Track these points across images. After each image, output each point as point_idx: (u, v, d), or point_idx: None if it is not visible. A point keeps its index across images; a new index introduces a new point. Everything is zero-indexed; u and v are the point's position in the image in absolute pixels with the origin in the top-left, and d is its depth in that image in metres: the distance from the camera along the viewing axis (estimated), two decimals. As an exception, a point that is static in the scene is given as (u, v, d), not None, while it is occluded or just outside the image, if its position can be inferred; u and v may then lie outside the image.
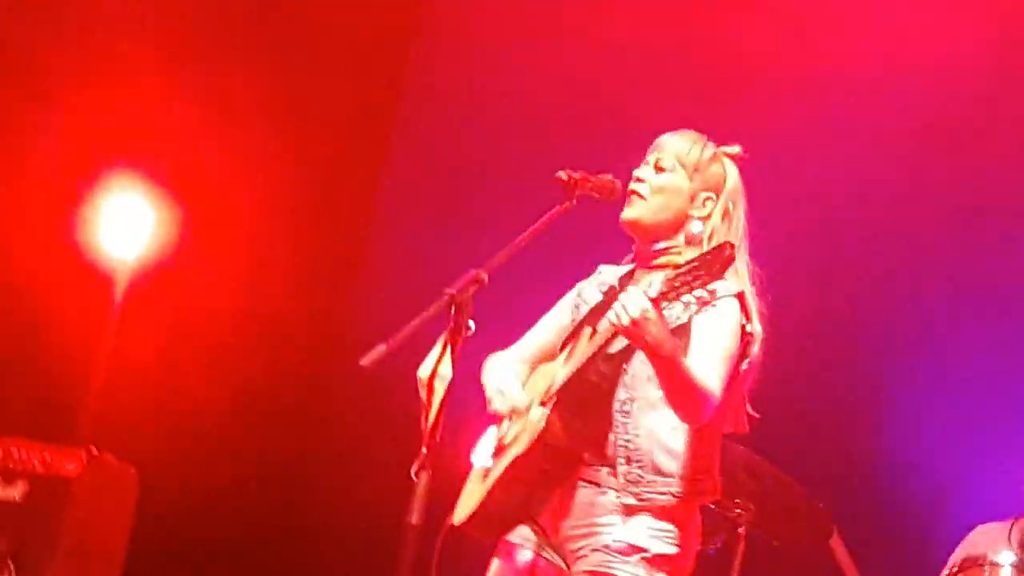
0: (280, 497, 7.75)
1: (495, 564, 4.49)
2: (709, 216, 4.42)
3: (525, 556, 4.39)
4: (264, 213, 7.89)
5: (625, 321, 3.98)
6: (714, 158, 4.49)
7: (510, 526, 4.38)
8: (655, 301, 4.01)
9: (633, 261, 4.62)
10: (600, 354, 4.30)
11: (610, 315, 4.06)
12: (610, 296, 4.40)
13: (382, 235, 8.84)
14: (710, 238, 4.42)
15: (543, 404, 4.34)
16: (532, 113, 8.18)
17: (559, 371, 4.45)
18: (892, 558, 6.95)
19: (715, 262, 3.98)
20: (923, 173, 7.53)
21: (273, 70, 7.99)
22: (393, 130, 8.75)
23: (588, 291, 4.63)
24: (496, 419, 4.55)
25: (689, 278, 4.00)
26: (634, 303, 3.98)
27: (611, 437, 4.27)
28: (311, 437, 7.94)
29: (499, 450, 4.46)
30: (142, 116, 7.64)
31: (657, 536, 4.22)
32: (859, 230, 7.77)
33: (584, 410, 4.30)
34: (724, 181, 4.50)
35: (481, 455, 4.58)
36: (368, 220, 8.85)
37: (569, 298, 4.66)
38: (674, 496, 4.27)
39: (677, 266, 4.22)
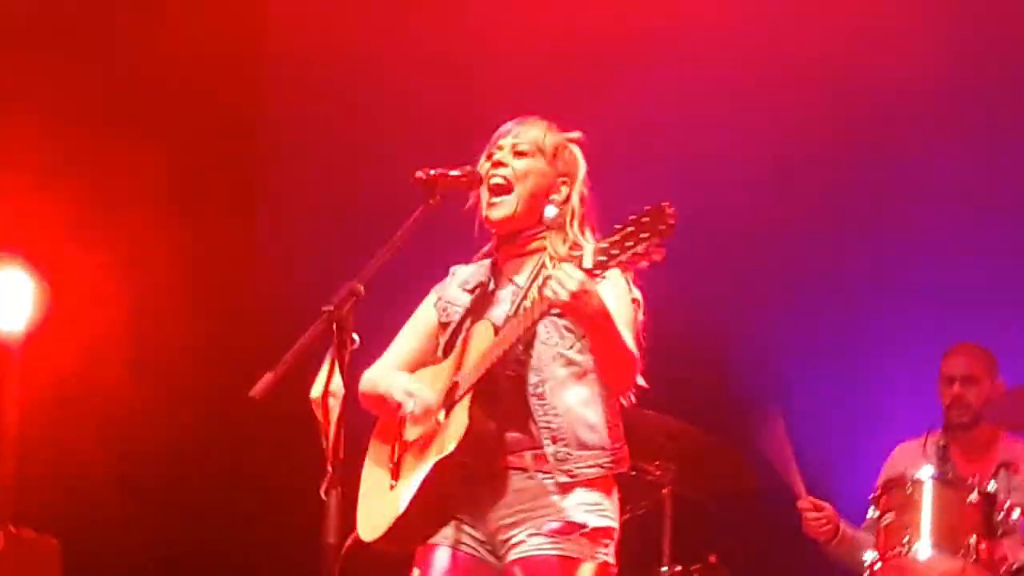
0: (201, 544, 7.61)
1: (416, 574, 4.49)
2: (568, 200, 4.47)
3: (443, 555, 4.38)
4: (145, 267, 7.73)
5: (564, 296, 3.99)
6: (565, 143, 4.55)
7: (431, 532, 4.37)
8: (590, 272, 4.03)
9: (491, 255, 4.65)
10: (515, 346, 4.32)
11: (547, 292, 4.05)
12: (483, 293, 4.52)
13: (264, 269, 8.47)
14: (570, 222, 4.49)
15: (455, 402, 4.35)
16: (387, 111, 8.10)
17: (463, 370, 4.43)
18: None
19: (658, 222, 3.97)
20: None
21: (141, 132, 7.74)
22: (264, 155, 8.57)
23: (451, 292, 4.66)
24: (393, 426, 4.54)
25: (630, 243, 4.00)
26: (571, 277, 3.99)
27: (530, 422, 4.28)
28: (218, 479, 7.81)
29: (401, 456, 4.48)
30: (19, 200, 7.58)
31: (592, 510, 4.26)
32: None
33: (499, 400, 4.30)
34: (578, 165, 4.55)
35: (373, 466, 4.60)
36: (248, 252, 8.53)
37: (429, 302, 4.68)
38: (602, 467, 4.32)
39: (544, 251, 4.41)
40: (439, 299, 4.63)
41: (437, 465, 4.25)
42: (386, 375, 4.55)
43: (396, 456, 4.47)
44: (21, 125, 7.49)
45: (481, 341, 4.37)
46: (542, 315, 4.20)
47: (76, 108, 7.74)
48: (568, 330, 4.37)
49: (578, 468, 4.26)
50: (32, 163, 7.54)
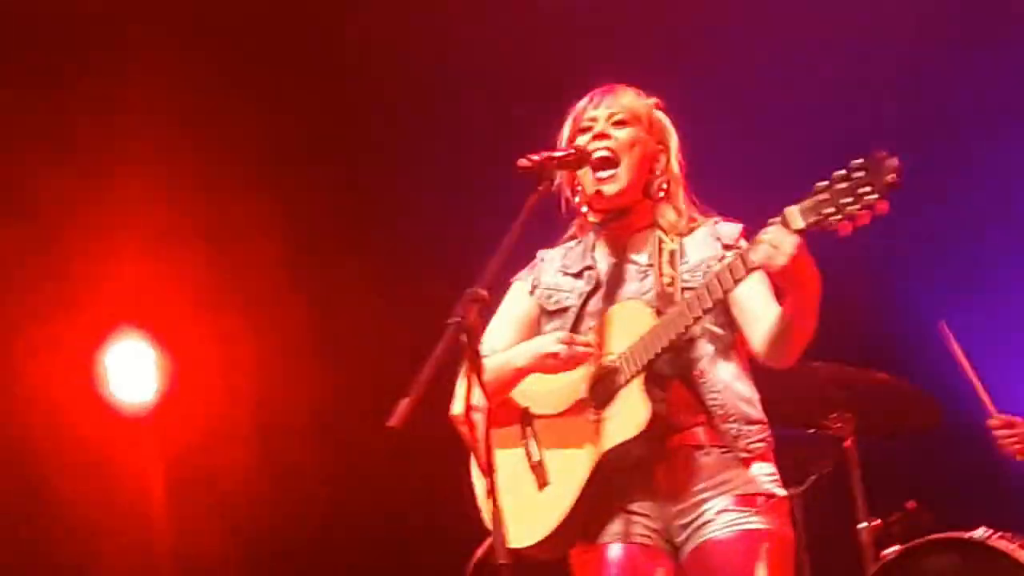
0: None
1: (608, 565, 4.34)
2: (668, 169, 4.47)
3: (616, 552, 4.30)
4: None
5: (783, 260, 3.94)
6: (653, 109, 4.54)
7: (597, 529, 4.30)
8: (802, 232, 3.96)
9: (577, 235, 4.62)
10: (700, 319, 4.27)
11: (755, 257, 4.01)
12: (608, 273, 4.48)
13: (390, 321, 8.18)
14: (666, 192, 4.50)
15: (619, 386, 4.27)
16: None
17: (612, 352, 4.33)
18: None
19: (880, 174, 3.86)
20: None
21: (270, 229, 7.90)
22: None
23: (549, 279, 4.62)
24: (517, 420, 4.49)
25: (847, 199, 3.89)
26: (787, 240, 3.94)
27: (693, 399, 4.26)
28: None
29: (542, 450, 4.43)
30: (144, 281, 7.78)
31: (772, 481, 4.27)
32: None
33: (663, 380, 4.26)
34: (669, 132, 4.54)
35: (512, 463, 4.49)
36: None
37: (523, 291, 4.65)
38: (766, 441, 4.32)
39: (653, 226, 4.44)
40: (536, 287, 4.60)
41: (610, 453, 4.21)
42: (510, 353, 4.47)
43: (536, 451, 4.42)
44: (141, 190, 7.64)
45: (633, 322, 4.29)
46: (737, 283, 4.12)
47: (194, 172, 7.84)
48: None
49: (751, 443, 4.27)
50: (153, 229, 7.75)
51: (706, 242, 4.46)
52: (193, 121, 7.82)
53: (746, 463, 4.26)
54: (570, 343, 4.32)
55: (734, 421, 4.27)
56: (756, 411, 4.37)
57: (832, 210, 3.87)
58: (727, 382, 4.35)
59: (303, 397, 7.72)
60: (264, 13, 8.12)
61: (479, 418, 3.90)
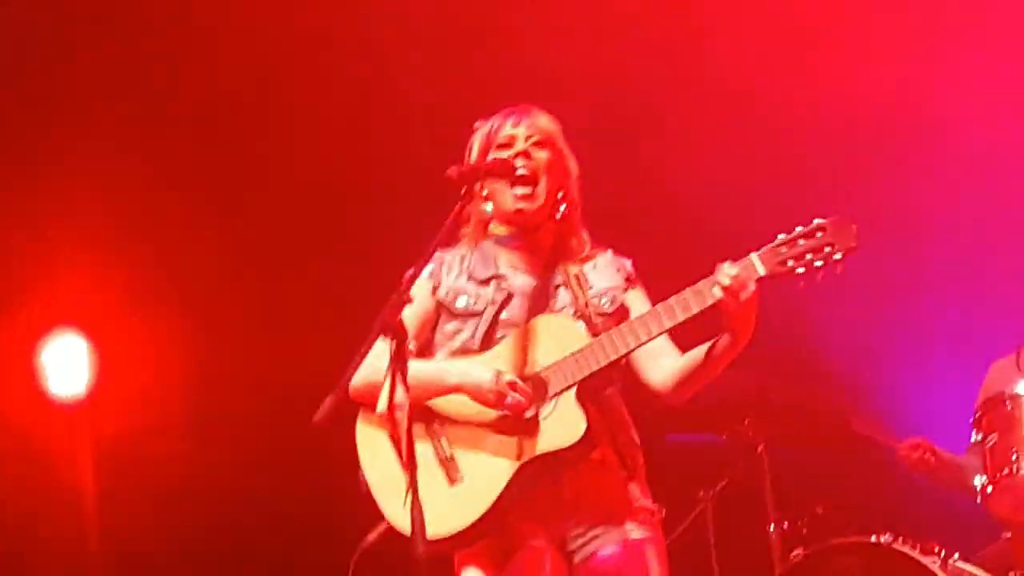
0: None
1: (501, 566, 4.37)
2: (568, 194, 4.52)
3: (537, 551, 4.32)
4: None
5: (743, 298, 4.06)
6: (556, 131, 4.57)
7: (495, 532, 4.33)
8: (763, 279, 4.11)
9: (471, 242, 4.60)
10: (641, 345, 4.33)
11: (715, 292, 4.08)
12: (529, 285, 4.47)
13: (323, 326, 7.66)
14: (567, 216, 4.54)
15: (549, 396, 4.30)
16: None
17: (536, 364, 4.36)
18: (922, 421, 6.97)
19: (842, 237, 4.06)
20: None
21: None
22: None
23: (455, 281, 4.60)
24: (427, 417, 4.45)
25: (811, 255, 4.08)
26: (749, 282, 4.07)
27: (602, 420, 4.32)
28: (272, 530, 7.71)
29: (453, 451, 4.42)
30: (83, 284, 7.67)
31: (647, 497, 4.39)
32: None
33: (595, 395, 4.34)
34: (572, 159, 4.58)
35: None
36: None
37: (424, 289, 4.55)
38: (640, 463, 4.44)
39: (559, 248, 4.52)
40: (438, 287, 4.58)
41: (538, 459, 4.25)
42: (439, 367, 4.46)
43: (446, 449, 4.42)
44: (74, 194, 7.58)
45: (563, 335, 4.35)
46: (697, 313, 4.19)
47: (129, 177, 7.71)
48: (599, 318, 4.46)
49: (634, 464, 4.39)
50: (87, 231, 7.63)
51: (608, 271, 4.56)
52: (131, 124, 7.72)
53: (630, 480, 4.38)
54: (509, 391, 4.28)
55: (624, 444, 4.37)
56: (634, 435, 4.45)
57: (795, 264, 4.03)
58: (615, 406, 4.43)
59: (231, 392, 7.72)
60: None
61: (401, 416, 3.88)
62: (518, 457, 4.28)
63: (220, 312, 7.92)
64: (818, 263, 4.07)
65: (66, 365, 7.76)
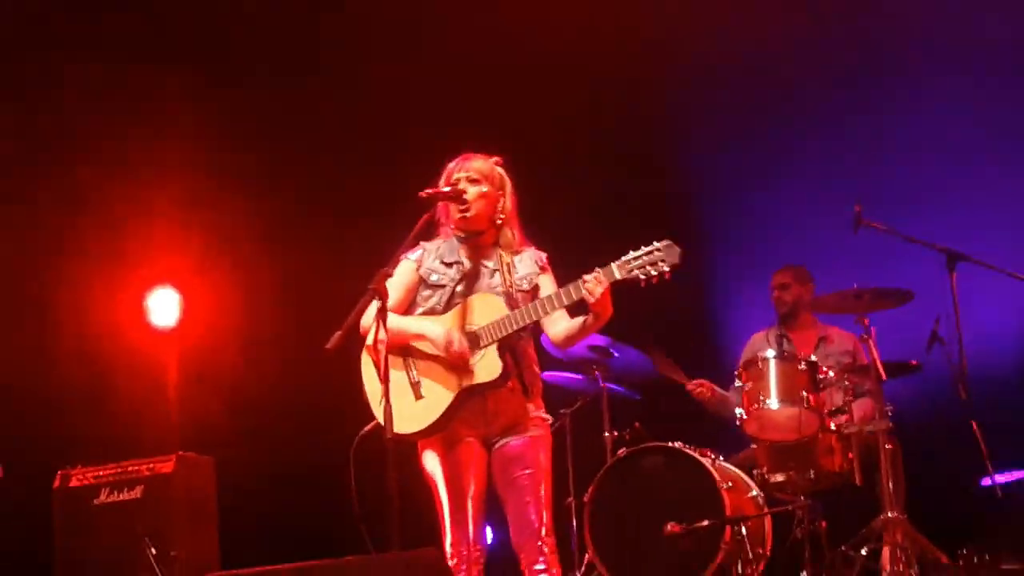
0: (303, 459, 7.45)
1: (438, 457, 4.65)
2: (503, 209, 4.69)
3: (453, 447, 4.62)
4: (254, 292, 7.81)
5: (597, 295, 4.27)
6: (494, 168, 4.71)
7: (444, 430, 4.59)
8: (618, 282, 4.31)
9: (443, 238, 4.77)
10: (539, 320, 4.55)
11: (583, 289, 4.32)
12: (468, 269, 4.65)
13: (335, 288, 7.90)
14: (503, 221, 4.69)
15: (479, 347, 4.53)
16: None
17: (473, 324, 4.58)
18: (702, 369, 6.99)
19: (672, 257, 4.30)
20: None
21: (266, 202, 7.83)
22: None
23: (432, 263, 4.78)
24: (406, 354, 4.62)
25: (650, 268, 4.32)
26: (602, 284, 4.30)
27: (514, 363, 4.55)
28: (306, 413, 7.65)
29: (419, 377, 4.64)
30: (175, 240, 7.70)
31: (543, 410, 4.65)
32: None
33: (510, 348, 4.56)
34: (506, 182, 4.72)
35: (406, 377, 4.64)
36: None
37: (410, 267, 4.76)
38: (539, 388, 4.68)
39: (499, 244, 4.65)
40: (420, 265, 4.72)
41: (470, 388, 4.51)
42: (413, 321, 4.65)
43: (417, 372, 4.65)
44: (167, 184, 7.52)
45: (491, 308, 4.57)
46: (568, 305, 4.47)
47: (206, 172, 7.64)
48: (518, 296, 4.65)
49: (535, 389, 4.62)
50: (176, 214, 7.62)
51: (529, 262, 4.69)
52: (206, 136, 7.53)
53: (530, 401, 4.62)
54: (453, 346, 4.49)
55: (528, 377, 4.59)
56: (537, 370, 4.68)
57: (638, 273, 4.27)
58: (529, 350, 4.63)
59: (271, 324, 7.64)
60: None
61: (382, 347, 4.25)
62: (458, 386, 4.49)
63: (266, 269, 7.70)
64: (654, 273, 4.26)
65: (162, 306, 7.78)
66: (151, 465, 6.22)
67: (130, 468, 6.23)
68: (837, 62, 7.37)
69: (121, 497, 6.20)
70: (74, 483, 6.23)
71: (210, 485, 6.40)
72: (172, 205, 7.64)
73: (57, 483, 6.19)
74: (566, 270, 4.66)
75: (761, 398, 6.15)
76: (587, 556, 6.08)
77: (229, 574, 4.65)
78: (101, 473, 6.26)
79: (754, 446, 6.32)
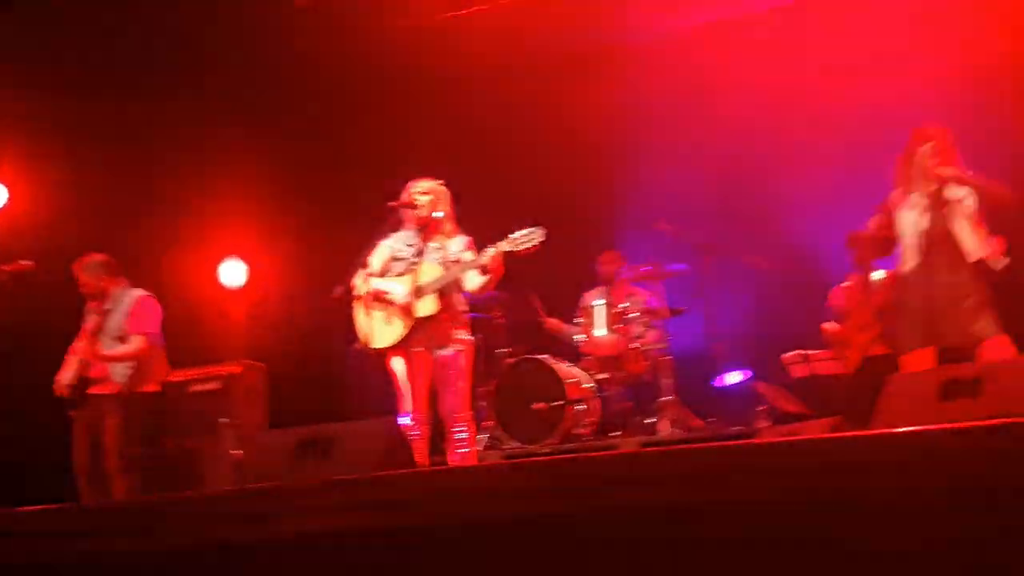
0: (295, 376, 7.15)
1: (402, 361, 4.64)
2: (442, 211, 4.72)
3: (412, 355, 4.70)
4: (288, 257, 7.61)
5: (486, 262, 4.34)
6: (438, 188, 4.70)
7: (401, 346, 4.64)
8: (506, 253, 4.35)
9: (400, 227, 4.72)
10: (457, 276, 4.52)
11: (480, 258, 4.36)
12: (417, 250, 4.65)
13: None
14: (443, 219, 4.68)
15: (424, 294, 4.52)
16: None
17: (422, 281, 4.55)
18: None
19: (540, 235, 4.33)
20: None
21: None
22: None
23: (397, 246, 4.72)
24: (379, 299, 4.63)
25: (520, 245, 4.38)
26: (489, 257, 4.33)
27: (447, 305, 4.59)
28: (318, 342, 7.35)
29: (390, 311, 4.63)
30: (240, 218, 7.48)
31: (466, 332, 4.66)
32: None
33: (443, 295, 4.60)
34: (445, 195, 4.71)
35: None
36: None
37: (386, 246, 4.74)
38: (464, 318, 4.66)
39: (441, 232, 4.54)
40: (391, 247, 4.71)
41: (417, 320, 4.57)
42: (384, 281, 4.66)
43: (387, 311, 4.66)
44: (231, 177, 7.21)
45: (432, 271, 4.57)
46: (471, 268, 4.50)
47: (261, 168, 7.29)
48: (453, 265, 4.55)
49: (459, 321, 4.64)
50: (239, 200, 7.34)
51: (459, 243, 4.66)
52: (265, 122, 7.27)
53: (456, 328, 4.60)
54: (406, 297, 4.45)
55: (456, 312, 4.61)
56: (462, 308, 4.57)
57: (511, 248, 4.34)
58: (455, 295, 4.57)
59: (304, 285, 7.43)
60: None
61: (365, 298, 4.60)
62: (411, 317, 4.56)
63: (303, 244, 7.56)
64: (528, 246, 4.35)
65: (232, 272, 7.79)
66: (226, 368, 6.32)
67: (211, 370, 6.30)
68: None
69: (205, 387, 6.29)
70: (175, 378, 6.18)
71: (262, 381, 6.48)
72: (241, 200, 7.40)
73: (168, 379, 6.04)
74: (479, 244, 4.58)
75: (592, 330, 6.49)
76: (491, 423, 6.22)
77: (272, 431, 4.75)
78: (194, 374, 6.33)
79: (588, 358, 6.48)
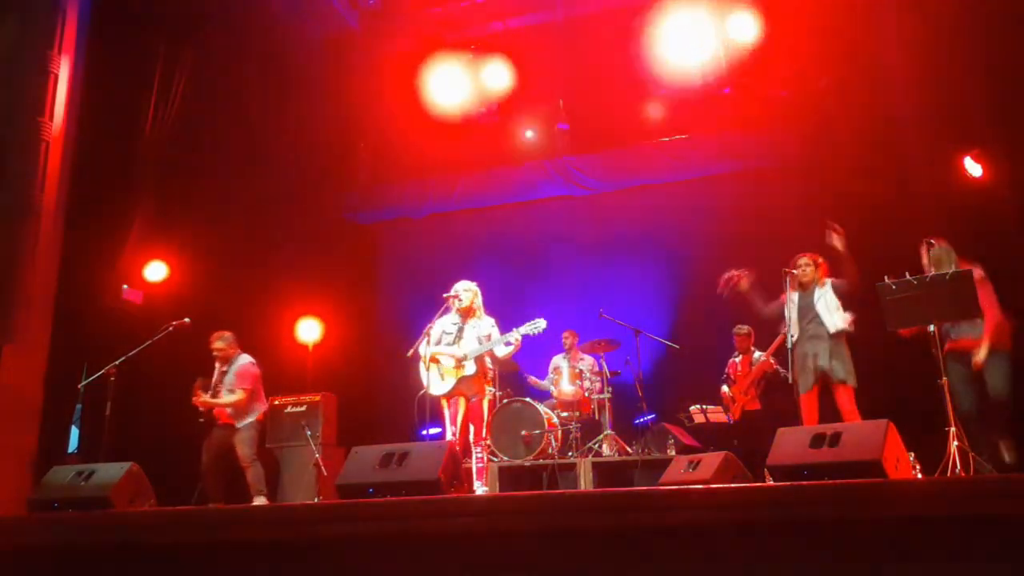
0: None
1: (452, 403, 5.30)
2: (473, 302, 5.26)
3: (455, 401, 5.37)
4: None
5: (517, 341, 4.52)
6: (470, 288, 5.20)
7: (453, 395, 5.32)
8: (522, 335, 4.69)
9: (448, 311, 5.25)
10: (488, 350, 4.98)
11: (510, 340, 4.73)
12: (459, 328, 5.17)
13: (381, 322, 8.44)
14: (475, 308, 5.21)
15: (464, 359, 5.07)
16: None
17: (464, 349, 5.11)
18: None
19: (542, 325, 4.66)
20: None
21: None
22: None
23: (445, 324, 5.41)
24: (433, 361, 5.20)
25: (532, 328, 4.76)
26: (517, 338, 4.58)
27: (480, 366, 5.12)
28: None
29: (442, 370, 5.24)
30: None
31: (493, 386, 4.99)
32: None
33: (477, 360, 5.15)
34: (478, 294, 5.40)
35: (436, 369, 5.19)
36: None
37: (439, 326, 5.43)
38: (491, 376, 5.22)
39: (473, 314, 5.07)
40: (442, 325, 5.40)
41: (462, 377, 5.28)
42: (441, 349, 5.31)
43: (441, 371, 5.35)
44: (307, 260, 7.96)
45: (471, 343, 5.25)
46: (501, 343, 5.06)
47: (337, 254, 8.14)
48: (486, 340, 5.16)
49: (487, 378, 5.29)
50: (316, 269, 8.14)
51: (487, 323, 5.33)
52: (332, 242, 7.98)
53: (486, 381, 5.10)
54: (455, 360, 4.80)
55: (484, 371, 5.19)
56: (491, 367, 5.42)
57: (529, 332, 4.40)
58: (486, 361, 5.30)
59: (366, 343, 7.94)
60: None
61: (427, 361, 5.31)
62: (457, 375, 5.21)
63: (372, 310, 8.15)
64: (535, 332, 4.58)
65: (309, 328, 8.83)
66: (309, 396, 7.46)
67: (300, 397, 7.45)
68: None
69: (296, 409, 7.36)
70: (275, 403, 7.37)
71: (334, 407, 7.61)
72: (314, 270, 8.28)
73: (271, 403, 7.10)
74: (504, 322, 5.12)
75: (560, 383, 7.72)
76: (489, 443, 6.80)
77: (366, 446, 4.63)
78: (286, 399, 7.46)
79: (555, 400, 7.67)
